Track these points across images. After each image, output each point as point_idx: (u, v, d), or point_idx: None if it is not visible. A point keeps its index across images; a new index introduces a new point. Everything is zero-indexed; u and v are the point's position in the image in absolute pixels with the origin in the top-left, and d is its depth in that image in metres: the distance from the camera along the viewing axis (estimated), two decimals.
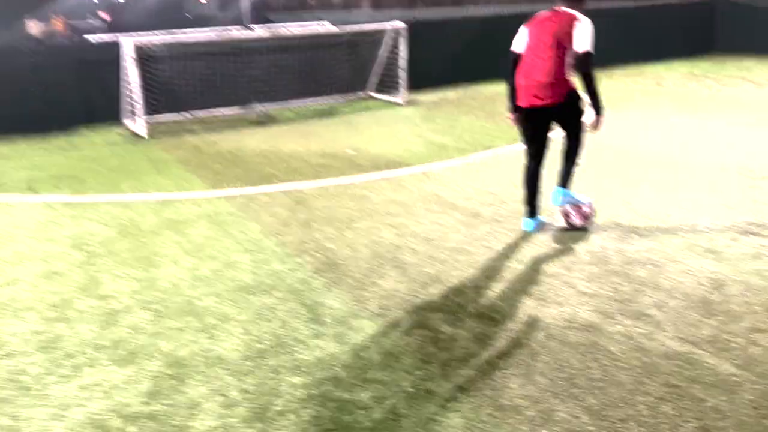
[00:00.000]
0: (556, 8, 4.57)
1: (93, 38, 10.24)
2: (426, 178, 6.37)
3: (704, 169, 6.17)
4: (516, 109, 4.71)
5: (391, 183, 6.27)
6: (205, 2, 24.83)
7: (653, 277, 3.94)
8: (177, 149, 8.11)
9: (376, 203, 5.66)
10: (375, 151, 7.59)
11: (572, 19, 4.43)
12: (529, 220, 4.80)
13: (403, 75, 10.77)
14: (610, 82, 11.95)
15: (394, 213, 5.38)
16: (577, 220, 4.77)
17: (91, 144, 8.62)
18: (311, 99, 10.95)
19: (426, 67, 12.08)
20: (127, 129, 9.26)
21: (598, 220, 4.89)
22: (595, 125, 4.53)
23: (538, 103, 4.51)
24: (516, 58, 4.65)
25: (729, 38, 15.31)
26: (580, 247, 4.46)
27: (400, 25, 10.69)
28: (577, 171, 4.78)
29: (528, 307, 3.65)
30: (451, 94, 11.58)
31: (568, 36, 4.41)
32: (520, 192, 5.66)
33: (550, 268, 4.16)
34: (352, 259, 4.43)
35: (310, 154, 7.59)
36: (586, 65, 4.37)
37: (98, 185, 6.61)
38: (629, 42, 14.33)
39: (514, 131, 8.11)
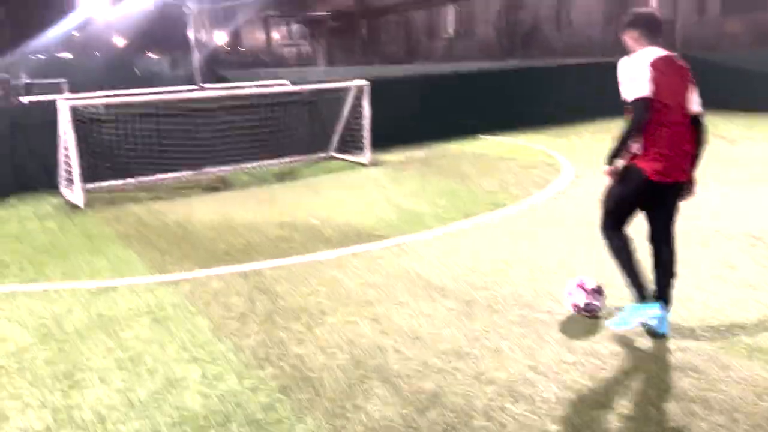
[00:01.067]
0: (670, 53, 3.67)
1: (26, 99, 9.32)
2: (404, 253, 5.62)
3: (705, 235, 5.59)
4: (640, 178, 3.60)
5: (364, 260, 5.49)
6: (156, 59, 24.18)
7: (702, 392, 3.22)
8: (117, 222, 7.18)
9: (349, 287, 4.86)
10: (342, 219, 6.83)
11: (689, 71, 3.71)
12: (656, 307, 3.69)
13: (367, 134, 10.15)
14: (588, 139, 11.60)
15: (372, 300, 4.58)
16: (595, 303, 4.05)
17: (19, 217, 7.59)
18: (269, 161, 10.19)
19: (388, 126, 11.54)
20: (64, 198, 8.28)
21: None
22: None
23: (682, 178, 3.66)
24: (648, 105, 3.51)
25: None
26: (606, 346, 3.73)
27: (362, 83, 10.13)
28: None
29: None
30: (416, 153, 11.01)
31: (692, 91, 3.68)
32: (514, 272, 4.96)
33: (580, 385, 3.40)
34: (328, 370, 3.58)
35: (269, 224, 6.77)
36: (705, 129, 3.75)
37: (20, 270, 5.62)
38: (594, 98, 14.12)
39: (491, 197, 7.51)
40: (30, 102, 8.99)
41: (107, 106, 8.77)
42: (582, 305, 4.05)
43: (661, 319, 3.68)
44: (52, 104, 8.30)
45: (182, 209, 7.65)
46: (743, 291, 4.41)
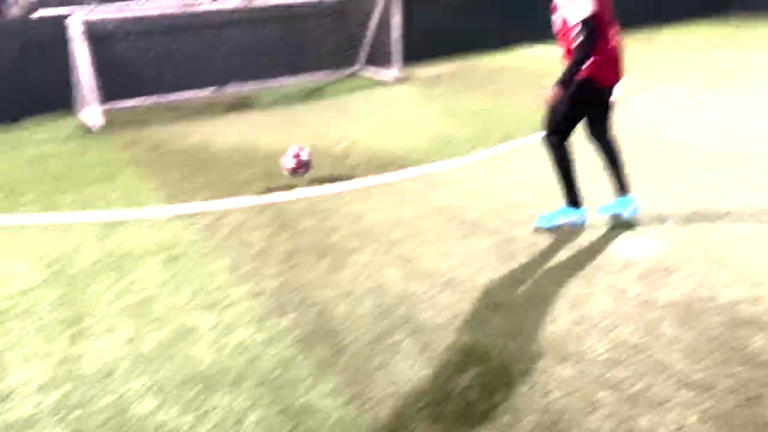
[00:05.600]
0: None
1: (35, 14, 8.82)
2: (435, 184, 5.19)
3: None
4: (586, 85, 3.77)
5: (392, 192, 5.07)
6: None
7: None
8: (135, 145, 6.85)
9: (375, 224, 4.48)
10: (369, 144, 6.38)
11: None
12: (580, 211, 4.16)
13: (397, 48, 9.48)
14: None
15: (400, 239, 4.20)
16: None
17: (33, 142, 7.32)
18: (295, 78, 9.65)
19: (419, 37, 10.80)
20: (80, 121, 7.96)
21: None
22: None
23: (620, 78, 3.91)
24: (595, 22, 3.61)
25: None
26: (660, 292, 3.31)
27: None
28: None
29: (624, 415, 2.51)
30: (450, 67, 10.31)
31: None
32: (559, 203, 4.49)
33: (632, 341, 3.02)
34: (352, 321, 3.26)
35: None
36: None
37: (33, 199, 5.37)
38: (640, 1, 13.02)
39: (531, 117, 6.92)
40: (40, 17, 8.48)
41: (121, 21, 8.25)
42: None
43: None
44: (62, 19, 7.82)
45: (203, 131, 7.28)
46: None
